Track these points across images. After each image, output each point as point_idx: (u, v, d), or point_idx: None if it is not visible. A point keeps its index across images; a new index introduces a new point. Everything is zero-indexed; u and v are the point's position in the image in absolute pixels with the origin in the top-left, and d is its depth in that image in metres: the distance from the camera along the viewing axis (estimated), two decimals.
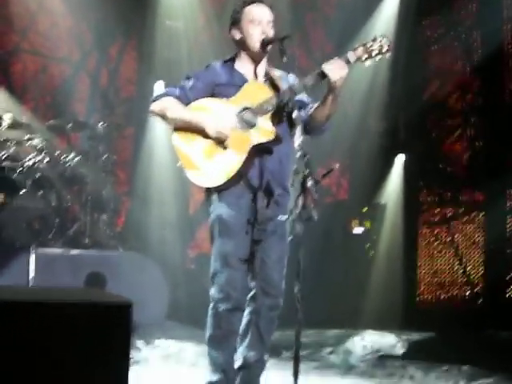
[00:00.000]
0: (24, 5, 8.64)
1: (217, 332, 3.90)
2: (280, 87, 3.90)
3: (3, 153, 7.30)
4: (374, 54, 3.81)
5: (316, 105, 3.96)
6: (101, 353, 2.59)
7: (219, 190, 3.88)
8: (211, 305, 3.91)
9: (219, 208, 3.89)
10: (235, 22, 4.00)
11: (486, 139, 8.24)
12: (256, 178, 3.87)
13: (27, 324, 2.53)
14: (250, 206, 3.86)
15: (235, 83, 3.95)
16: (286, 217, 3.89)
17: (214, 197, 3.91)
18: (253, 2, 4.00)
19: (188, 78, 4.01)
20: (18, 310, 2.54)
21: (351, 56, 3.80)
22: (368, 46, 3.81)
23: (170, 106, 3.93)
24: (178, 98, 3.95)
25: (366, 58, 3.81)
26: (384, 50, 3.81)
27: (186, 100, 3.95)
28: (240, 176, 3.84)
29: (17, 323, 2.52)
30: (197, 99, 3.94)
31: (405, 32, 8.54)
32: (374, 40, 3.82)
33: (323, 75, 3.78)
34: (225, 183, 3.84)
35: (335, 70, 3.75)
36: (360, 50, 3.80)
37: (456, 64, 8.59)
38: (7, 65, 9.10)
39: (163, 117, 3.97)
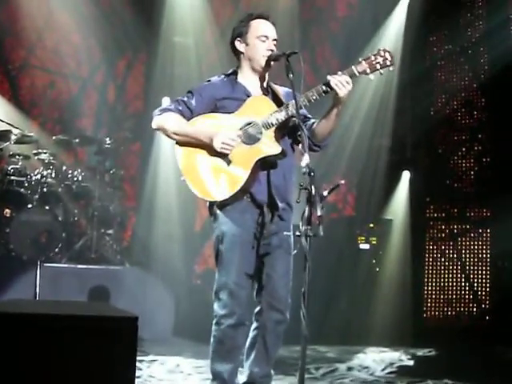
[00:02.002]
0: (32, 20, 8.67)
1: (220, 347, 3.89)
2: (283, 101, 3.91)
3: (11, 167, 7.34)
4: (378, 66, 3.82)
5: (318, 120, 3.95)
6: (106, 365, 2.59)
7: (223, 205, 3.87)
8: (214, 320, 3.90)
9: (224, 223, 3.88)
10: (240, 34, 4.00)
11: (493, 155, 8.22)
12: (260, 192, 3.86)
13: (34, 336, 2.54)
14: (254, 220, 3.85)
15: (238, 97, 3.94)
16: (291, 232, 3.88)
17: (218, 212, 3.90)
18: (260, 17, 4.01)
19: (190, 93, 4.00)
20: (26, 323, 2.54)
21: (356, 70, 3.80)
22: (372, 59, 3.82)
23: (173, 121, 3.92)
24: (180, 112, 3.94)
25: (371, 71, 3.82)
26: (388, 62, 3.83)
27: (188, 114, 3.94)
28: (244, 191, 3.83)
29: (24, 335, 2.52)
30: (199, 114, 3.94)
31: (411, 48, 8.54)
32: (377, 53, 3.83)
33: (328, 89, 3.78)
34: (229, 198, 3.82)
35: (341, 84, 3.75)
36: (364, 63, 3.81)
37: (463, 80, 8.58)
38: (16, 80, 9.14)
39: (165, 131, 3.95)
